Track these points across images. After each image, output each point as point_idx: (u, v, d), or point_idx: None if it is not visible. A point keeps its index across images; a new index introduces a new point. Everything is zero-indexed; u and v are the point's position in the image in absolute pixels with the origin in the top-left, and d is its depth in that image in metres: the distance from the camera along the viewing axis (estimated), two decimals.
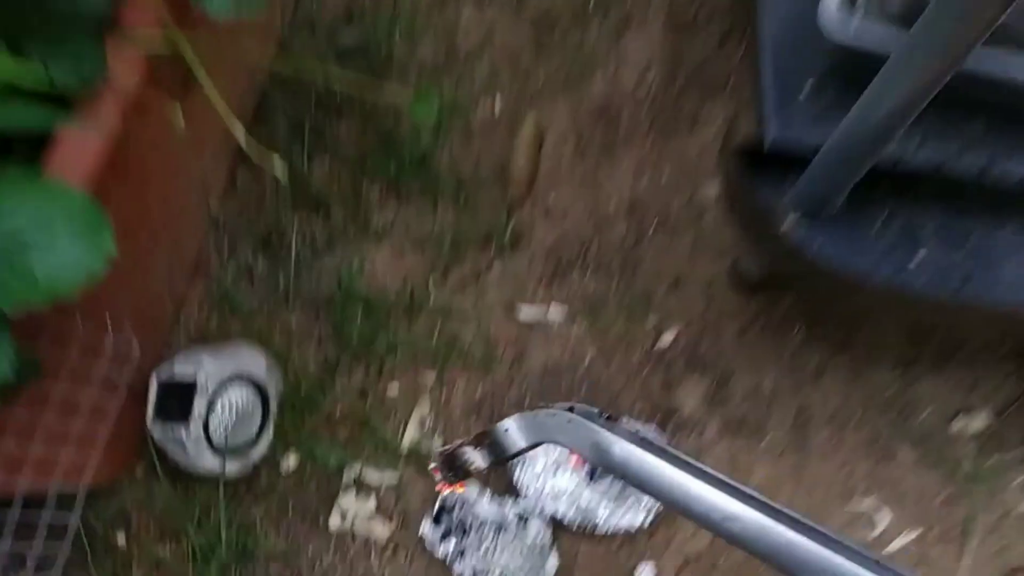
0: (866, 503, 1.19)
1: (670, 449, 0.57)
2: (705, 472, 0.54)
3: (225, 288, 1.34)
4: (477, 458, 0.73)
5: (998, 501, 1.19)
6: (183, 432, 1.16)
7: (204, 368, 1.20)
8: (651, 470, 0.56)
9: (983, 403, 1.24)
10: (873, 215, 0.91)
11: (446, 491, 1.03)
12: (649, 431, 1.19)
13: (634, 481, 0.57)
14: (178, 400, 1.18)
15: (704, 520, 0.53)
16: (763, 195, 0.88)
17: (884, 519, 1.18)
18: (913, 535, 1.18)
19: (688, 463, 0.55)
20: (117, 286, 1.10)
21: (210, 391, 1.20)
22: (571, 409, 0.66)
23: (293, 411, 1.28)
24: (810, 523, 0.50)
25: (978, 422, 1.24)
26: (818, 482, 1.21)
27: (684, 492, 0.54)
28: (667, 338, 1.31)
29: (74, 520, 1.05)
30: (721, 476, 0.54)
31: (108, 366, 1.05)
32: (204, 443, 1.19)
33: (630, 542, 1.18)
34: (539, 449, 1.23)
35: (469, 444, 0.73)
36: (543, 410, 0.68)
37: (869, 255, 0.89)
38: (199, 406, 1.19)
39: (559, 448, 1.17)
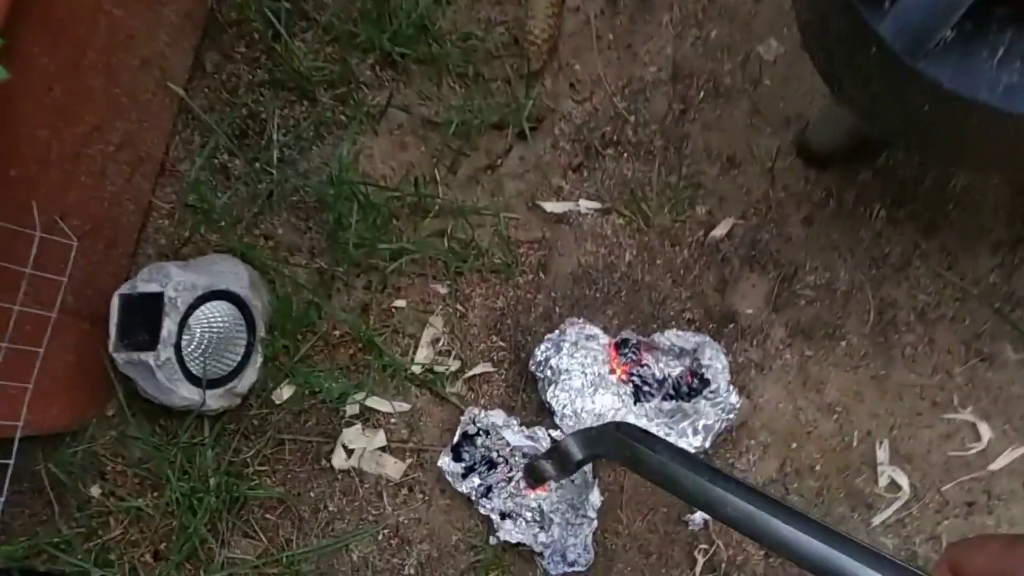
0: (966, 413, 0.99)
1: (708, 463, 0.65)
2: (738, 484, 0.58)
3: (198, 190, 1.13)
4: (548, 468, 0.86)
5: None
6: (151, 359, 0.97)
7: (174, 282, 1.01)
8: (689, 484, 0.61)
9: None
10: (994, 41, 0.68)
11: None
12: (702, 342, 0.98)
13: (675, 492, 0.63)
14: (144, 320, 0.99)
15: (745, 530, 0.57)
16: (861, 16, 0.65)
17: (988, 432, 0.99)
18: (1022, 450, 0.99)
19: (725, 476, 0.59)
20: (56, 183, 0.89)
21: (182, 309, 1.00)
22: (618, 427, 0.75)
23: (284, 334, 1.08)
24: (846, 535, 0.51)
25: None
26: (906, 391, 1.01)
27: (723, 504, 0.58)
28: (721, 230, 1.10)
29: (11, 466, 0.87)
30: (755, 487, 0.59)
31: (42, 278, 0.84)
32: (178, 371, 1.00)
33: None
34: (575, 364, 1.03)
35: (543, 457, 0.88)
36: (594, 427, 0.81)
37: (993, 88, 0.66)
38: (169, 327, 1.00)
39: (597, 362, 0.97)
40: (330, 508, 1.03)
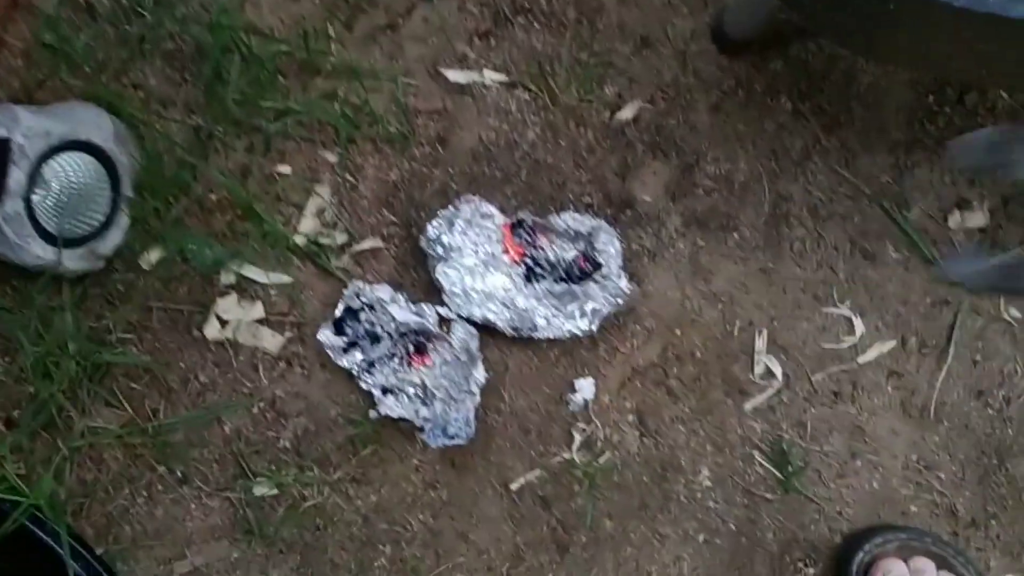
0: (843, 308, 1.02)
1: None
2: None
3: (55, 28, 1.00)
4: None
5: (985, 306, 1.04)
6: None
7: (23, 127, 0.90)
8: None
9: (983, 198, 1.06)
10: None
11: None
12: (598, 226, 0.96)
13: None
14: None
15: None
16: None
17: (861, 326, 1.02)
18: (891, 344, 1.03)
19: None
20: None
21: (32, 158, 0.90)
22: None
23: (154, 195, 0.99)
24: None
25: (975, 219, 1.06)
26: (791, 283, 1.03)
27: None
28: (627, 112, 1.06)
29: None
30: None
31: None
32: (28, 226, 0.91)
33: (569, 353, 0.99)
34: (468, 242, 1.00)
35: None
36: None
37: None
38: (17, 177, 0.89)
39: (491, 242, 0.94)
40: (201, 379, 0.98)
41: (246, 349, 0.94)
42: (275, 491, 0.92)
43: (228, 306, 1.01)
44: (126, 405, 0.98)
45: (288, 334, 0.96)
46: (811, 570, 1.01)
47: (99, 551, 0.94)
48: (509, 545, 1.00)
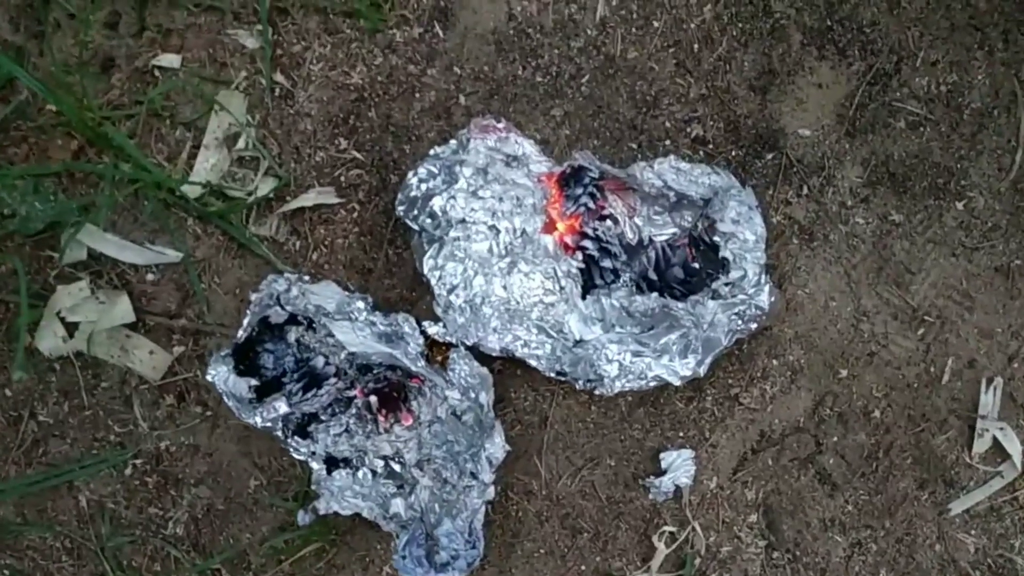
0: None
1: None
2: None
3: None
4: None
5: None
6: None
7: None
8: None
9: None
10: None
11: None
12: (724, 185, 0.51)
13: None
14: None
15: None
16: None
17: None
18: None
19: None
20: None
21: None
22: None
23: None
24: None
25: None
26: None
27: None
28: None
29: None
30: None
31: None
32: None
33: (652, 403, 0.61)
34: (481, 208, 0.48)
35: None
36: None
37: None
38: None
39: (523, 208, 0.50)
40: (40, 417, 0.60)
41: (111, 372, 0.59)
42: None
43: (75, 299, 0.60)
44: None
45: (179, 348, 0.54)
46: None
47: None
48: None
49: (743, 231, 0.53)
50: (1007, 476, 0.60)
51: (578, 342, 0.54)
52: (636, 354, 0.54)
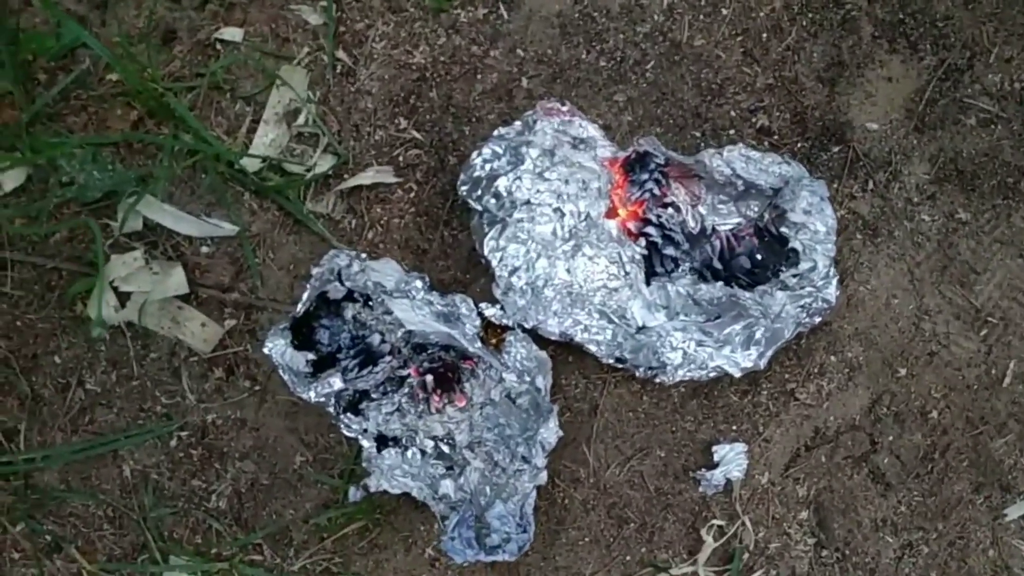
0: None
1: None
2: None
3: None
4: None
5: None
6: None
7: None
8: None
9: None
10: None
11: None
12: (794, 175, 0.51)
13: None
14: None
15: None
16: None
17: None
18: None
19: None
20: None
21: None
22: None
23: (12, 66, 0.56)
24: None
25: None
26: None
27: None
28: None
29: None
30: None
31: None
32: None
33: (706, 395, 0.63)
34: (545, 190, 0.46)
35: None
36: None
37: None
38: None
39: (588, 192, 0.49)
40: (88, 386, 0.60)
41: (161, 343, 0.58)
42: None
43: (129, 269, 0.61)
44: None
45: (231, 322, 0.54)
46: None
47: None
48: None
49: (814, 222, 0.52)
50: None
51: (641, 328, 0.53)
52: (699, 343, 0.53)
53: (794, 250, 0.52)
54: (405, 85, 0.62)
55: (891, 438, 0.59)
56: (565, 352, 0.59)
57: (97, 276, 0.59)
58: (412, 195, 0.62)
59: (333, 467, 0.62)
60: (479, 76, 0.61)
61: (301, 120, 0.61)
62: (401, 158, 0.62)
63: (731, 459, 0.59)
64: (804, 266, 0.52)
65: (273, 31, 0.62)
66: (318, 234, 0.61)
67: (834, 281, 0.53)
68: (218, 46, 0.63)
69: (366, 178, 0.62)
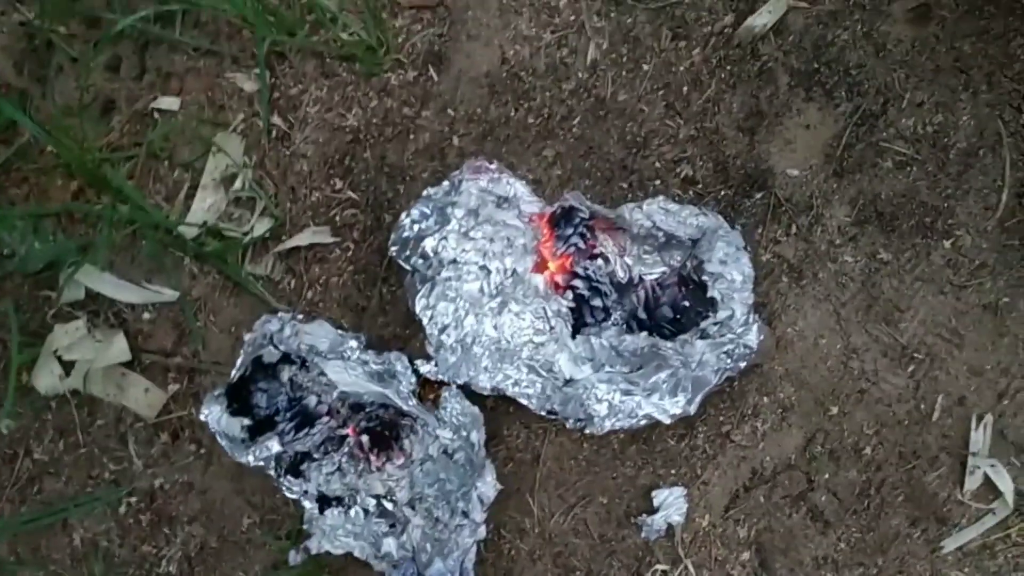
0: None
1: None
2: None
3: None
4: None
5: None
6: None
7: None
8: None
9: None
10: None
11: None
12: (712, 226, 0.52)
13: None
14: None
15: None
16: None
17: None
18: None
19: None
20: None
21: None
22: None
23: None
24: None
25: None
26: None
27: None
28: (763, 17, 0.62)
29: None
30: None
31: None
32: None
33: (644, 441, 0.62)
34: (472, 249, 0.49)
35: None
36: None
37: None
38: None
39: (513, 248, 0.51)
40: (35, 455, 0.60)
41: (107, 410, 0.60)
42: None
43: (72, 338, 0.60)
44: None
45: (174, 386, 0.55)
46: None
47: None
48: None
49: (731, 271, 0.54)
50: (999, 514, 0.60)
51: (568, 381, 0.54)
52: (626, 393, 0.54)
53: (713, 299, 0.54)
54: (339, 147, 0.63)
55: (827, 476, 0.60)
56: (506, 403, 0.60)
57: (12, 361, 0.59)
58: (349, 254, 0.63)
59: (281, 527, 0.63)
60: (412, 136, 0.63)
61: (238, 185, 0.63)
62: (338, 218, 0.63)
63: (671, 503, 0.59)
64: (723, 314, 0.53)
65: (209, 99, 0.64)
66: (258, 296, 0.62)
67: (754, 327, 0.54)
68: (156, 115, 0.64)
69: (303, 239, 0.63)
